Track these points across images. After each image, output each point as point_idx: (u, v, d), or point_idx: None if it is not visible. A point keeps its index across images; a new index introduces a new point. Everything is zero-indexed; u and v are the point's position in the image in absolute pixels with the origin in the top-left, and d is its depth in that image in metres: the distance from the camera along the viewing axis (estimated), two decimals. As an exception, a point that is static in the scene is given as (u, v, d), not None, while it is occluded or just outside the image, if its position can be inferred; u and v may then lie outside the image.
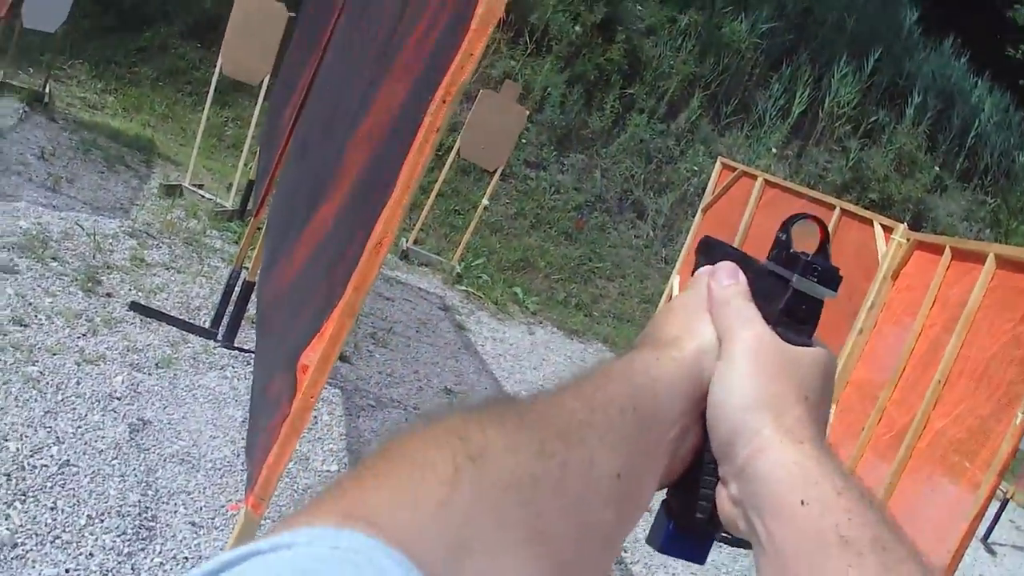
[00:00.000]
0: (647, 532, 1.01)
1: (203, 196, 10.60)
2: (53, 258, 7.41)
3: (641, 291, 14.30)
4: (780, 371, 0.94)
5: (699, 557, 0.99)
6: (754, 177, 10.70)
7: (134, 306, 7.17)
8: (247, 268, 7.17)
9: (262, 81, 10.62)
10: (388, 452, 0.67)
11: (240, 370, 7.00)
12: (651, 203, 15.62)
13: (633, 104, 16.33)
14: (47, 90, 11.58)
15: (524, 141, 14.49)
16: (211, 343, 7.18)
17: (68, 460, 5.15)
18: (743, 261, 1.05)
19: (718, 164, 11.74)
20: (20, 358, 5.90)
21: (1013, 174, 21.02)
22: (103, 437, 5.49)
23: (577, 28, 15.98)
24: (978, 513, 5.64)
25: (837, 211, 8.87)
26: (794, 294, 0.98)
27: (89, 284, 7.21)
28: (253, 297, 6.84)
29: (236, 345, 7.25)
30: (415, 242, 12.26)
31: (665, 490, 0.99)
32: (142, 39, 14.22)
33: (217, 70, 10.65)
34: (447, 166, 12.17)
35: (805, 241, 1.01)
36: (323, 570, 0.51)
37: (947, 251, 7.00)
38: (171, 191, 10.35)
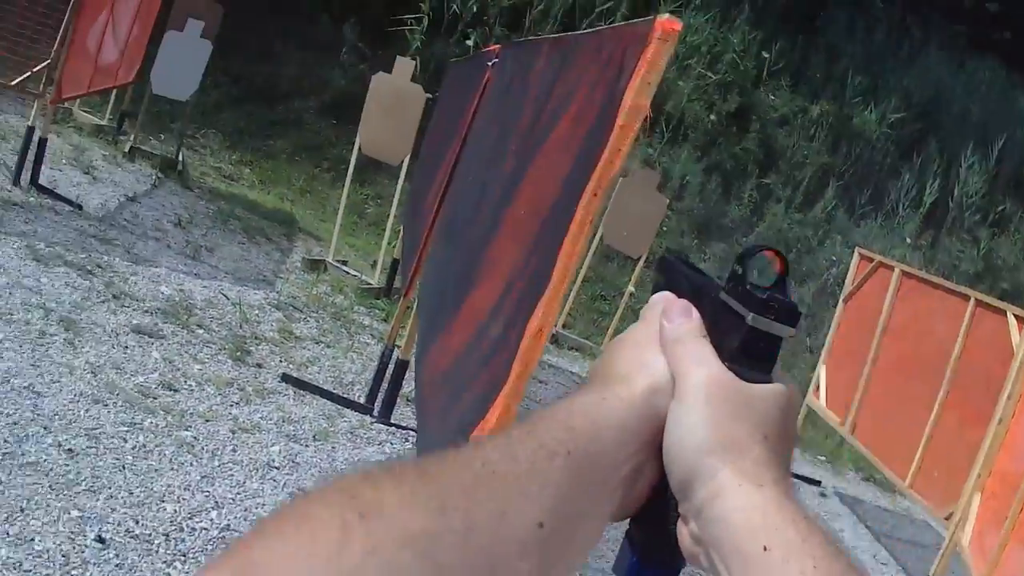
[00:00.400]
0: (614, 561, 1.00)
1: (347, 272, 10.63)
2: (198, 325, 7.46)
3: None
4: (736, 411, 0.91)
5: None
6: (891, 268, 10.65)
7: (286, 378, 7.17)
8: (399, 346, 7.13)
9: (402, 161, 10.69)
10: (279, 513, 0.67)
11: (399, 446, 6.97)
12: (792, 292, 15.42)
13: (770, 193, 16.36)
14: (180, 158, 11.82)
15: (665, 229, 14.49)
16: (367, 419, 7.15)
17: (228, 525, 5.14)
18: (699, 290, 1.01)
19: (856, 255, 11.72)
20: (172, 422, 5.92)
21: None
22: (263, 504, 5.47)
23: (712, 117, 16.10)
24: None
25: (972, 302, 8.78)
26: (751, 331, 0.94)
27: (238, 353, 7.23)
28: (407, 374, 6.85)
29: (393, 421, 7.21)
30: (564, 326, 12.24)
31: (628, 520, 0.97)
32: (275, 113, 14.45)
33: (356, 149, 10.74)
34: (591, 252, 12.15)
35: (762, 274, 0.97)
36: None
37: (1080, 340, 6.85)
38: (315, 266, 10.45)
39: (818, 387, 11.41)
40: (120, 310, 7.18)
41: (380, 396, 7.24)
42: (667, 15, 2.53)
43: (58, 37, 9.11)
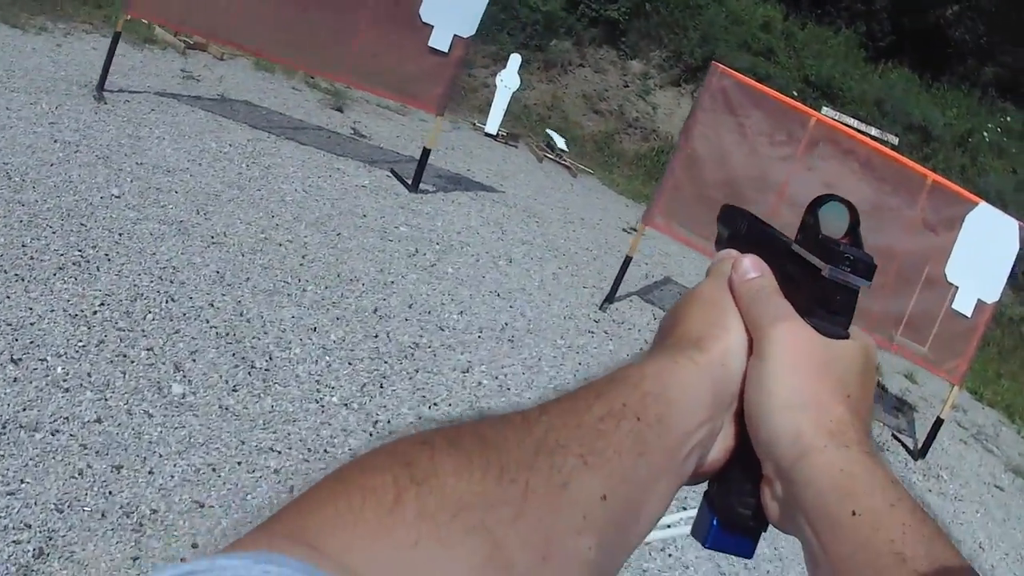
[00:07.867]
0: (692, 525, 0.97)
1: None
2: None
3: None
4: (819, 368, 0.87)
5: (746, 552, 0.94)
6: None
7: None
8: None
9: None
10: (331, 478, 0.63)
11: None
12: None
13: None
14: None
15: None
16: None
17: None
18: (767, 241, 0.97)
19: None
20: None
21: None
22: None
23: None
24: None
25: None
26: (827, 284, 0.88)
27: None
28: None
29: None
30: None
31: (707, 484, 0.93)
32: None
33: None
34: None
35: (834, 224, 0.91)
36: None
37: None
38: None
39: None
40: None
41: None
42: None
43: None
